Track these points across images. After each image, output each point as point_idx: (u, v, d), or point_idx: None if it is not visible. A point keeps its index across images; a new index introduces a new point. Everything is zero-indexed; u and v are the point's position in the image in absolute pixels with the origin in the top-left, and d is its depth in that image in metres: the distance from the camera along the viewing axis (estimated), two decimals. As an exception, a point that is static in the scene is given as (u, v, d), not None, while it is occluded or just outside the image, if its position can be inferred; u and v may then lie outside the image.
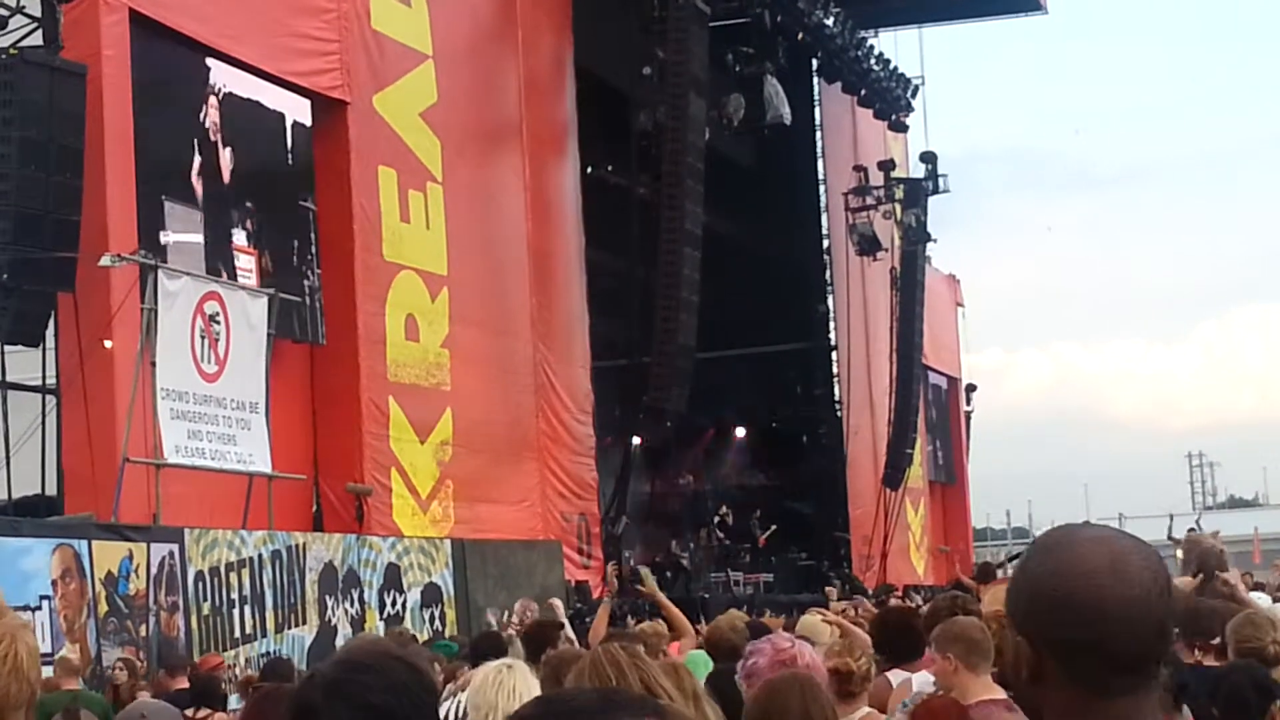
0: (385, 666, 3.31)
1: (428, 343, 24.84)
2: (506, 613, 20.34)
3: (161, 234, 20.04)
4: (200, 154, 21.07)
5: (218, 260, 21.12)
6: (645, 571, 16.28)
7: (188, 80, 20.97)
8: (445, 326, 25.28)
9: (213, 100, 21.20)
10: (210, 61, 21.09)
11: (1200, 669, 8.13)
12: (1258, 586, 15.92)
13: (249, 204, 21.89)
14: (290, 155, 22.77)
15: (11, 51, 17.71)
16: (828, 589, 28.47)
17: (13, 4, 18.43)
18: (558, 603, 17.79)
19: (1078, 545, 2.95)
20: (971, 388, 53.50)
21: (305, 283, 22.68)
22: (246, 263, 21.74)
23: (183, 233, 20.54)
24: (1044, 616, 2.93)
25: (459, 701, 8.71)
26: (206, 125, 21.15)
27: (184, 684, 13.56)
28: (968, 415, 53.27)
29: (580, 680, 5.43)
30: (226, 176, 21.51)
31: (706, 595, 30.92)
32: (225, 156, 21.46)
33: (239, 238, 21.69)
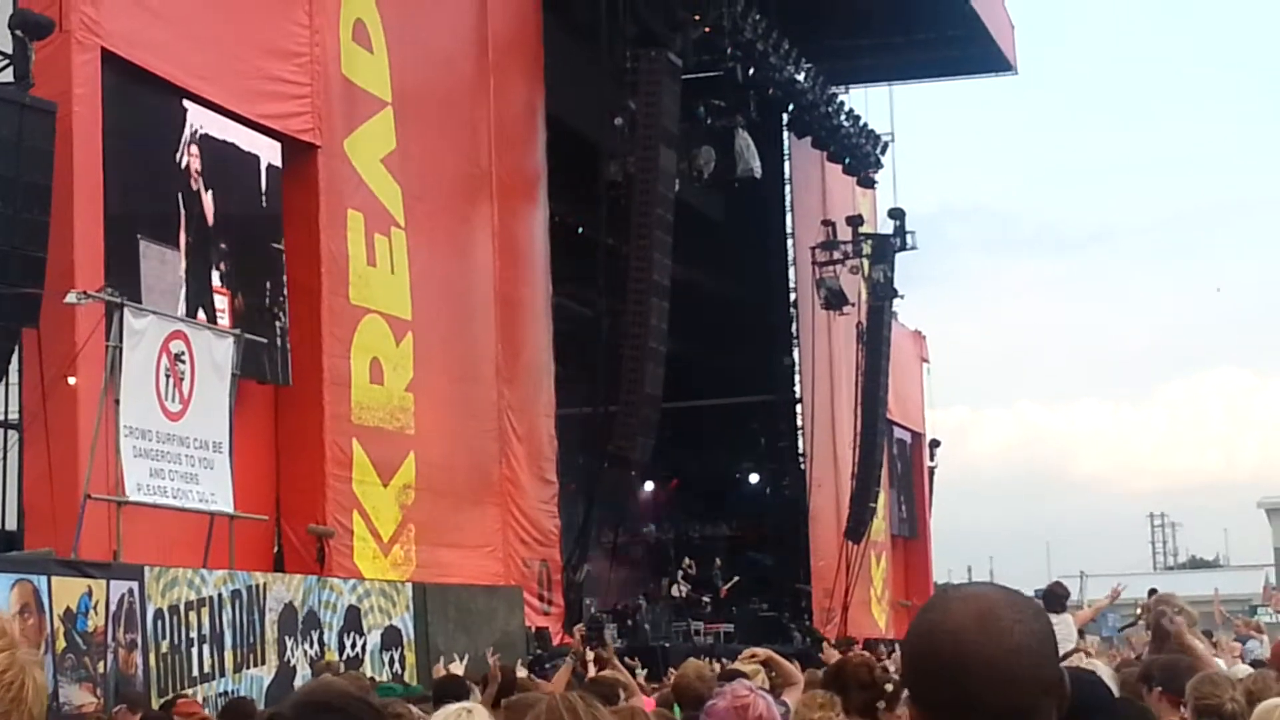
0: (346, 706, 3.36)
1: (392, 386, 24.90)
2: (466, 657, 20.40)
3: (141, 273, 20.09)
4: (182, 195, 21.14)
5: (199, 301, 21.19)
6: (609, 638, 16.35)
7: (165, 120, 21.03)
8: (410, 371, 25.34)
9: (191, 146, 21.27)
10: (186, 103, 21.16)
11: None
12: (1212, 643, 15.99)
13: (223, 245, 21.96)
14: (264, 198, 22.85)
15: (-18, 88, 17.78)
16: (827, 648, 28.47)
17: (-15, 41, 18.51)
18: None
19: (949, 603, 2.95)
20: (935, 443, 53.70)
21: (277, 324, 22.73)
22: (221, 303, 21.81)
23: (160, 273, 20.57)
24: (917, 677, 2.94)
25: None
26: (185, 166, 21.21)
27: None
28: (931, 470, 53.46)
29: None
30: (210, 219, 21.60)
31: (667, 644, 30.95)
32: (207, 200, 21.55)
33: (215, 279, 21.78)
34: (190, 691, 18.01)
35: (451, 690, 11.56)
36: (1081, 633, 19.81)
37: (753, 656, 11.33)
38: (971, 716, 2.88)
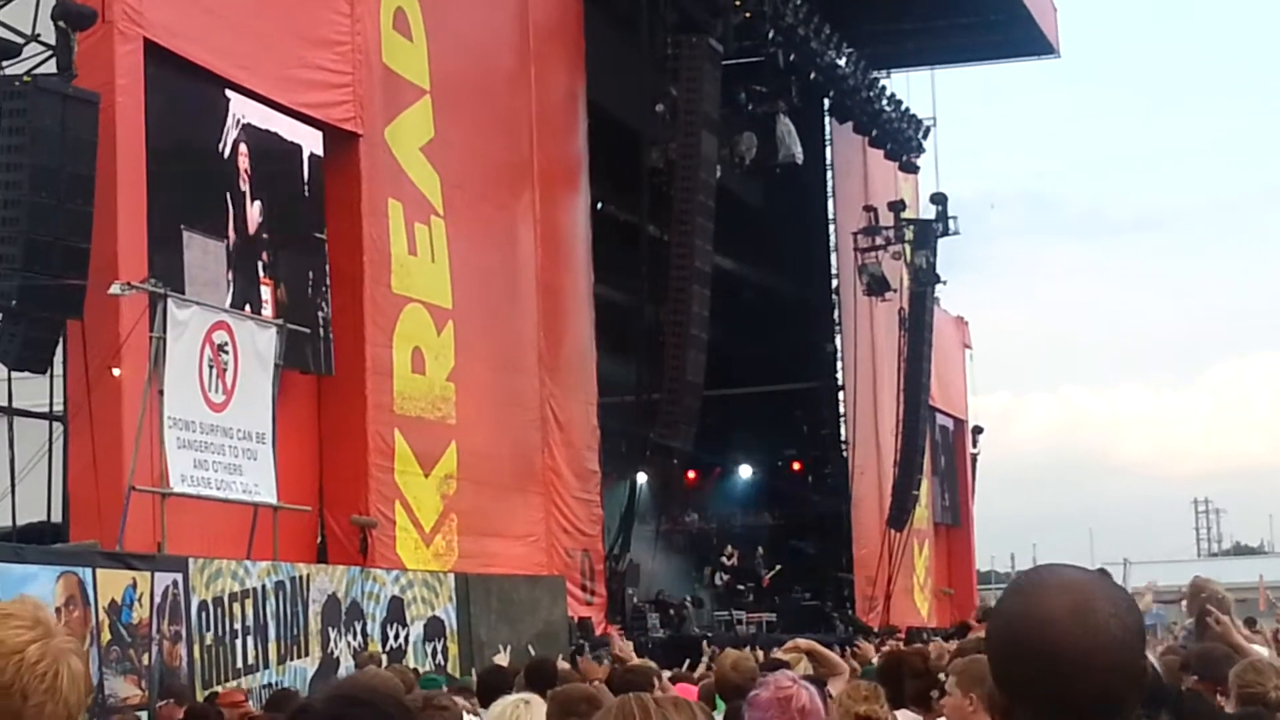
0: (375, 701, 3.33)
1: (433, 376, 24.84)
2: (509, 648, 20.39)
3: (184, 264, 20.07)
4: (225, 186, 21.12)
5: (242, 291, 21.16)
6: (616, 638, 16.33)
7: (208, 111, 20.99)
8: (451, 360, 25.28)
9: (234, 135, 21.23)
10: (228, 93, 21.13)
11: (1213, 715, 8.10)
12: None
13: (266, 235, 21.93)
14: (306, 187, 22.81)
15: (25, 79, 17.72)
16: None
17: (28, 32, 18.47)
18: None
19: (1044, 590, 2.93)
20: (978, 430, 53.50)
21: (320, 314, 22.70)
22: (265, 293, 21.80)
23: (204, 263, 20.55)
24: (1007, 662, 2.92)
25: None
26: (227, 156, 21.18)
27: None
28: (974, 457, 53.26)
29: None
30: (253, 209, 21.56)
31: (710, 634, 30.86)
32: (250, 190, 21.52)
33: (259, 269, 21.76)
34: (234, 683, 18.00)
35: (496, 682, 11.48)
36: None
37: (795, 648, 11.25)
38: (1062, 706, 2.87)
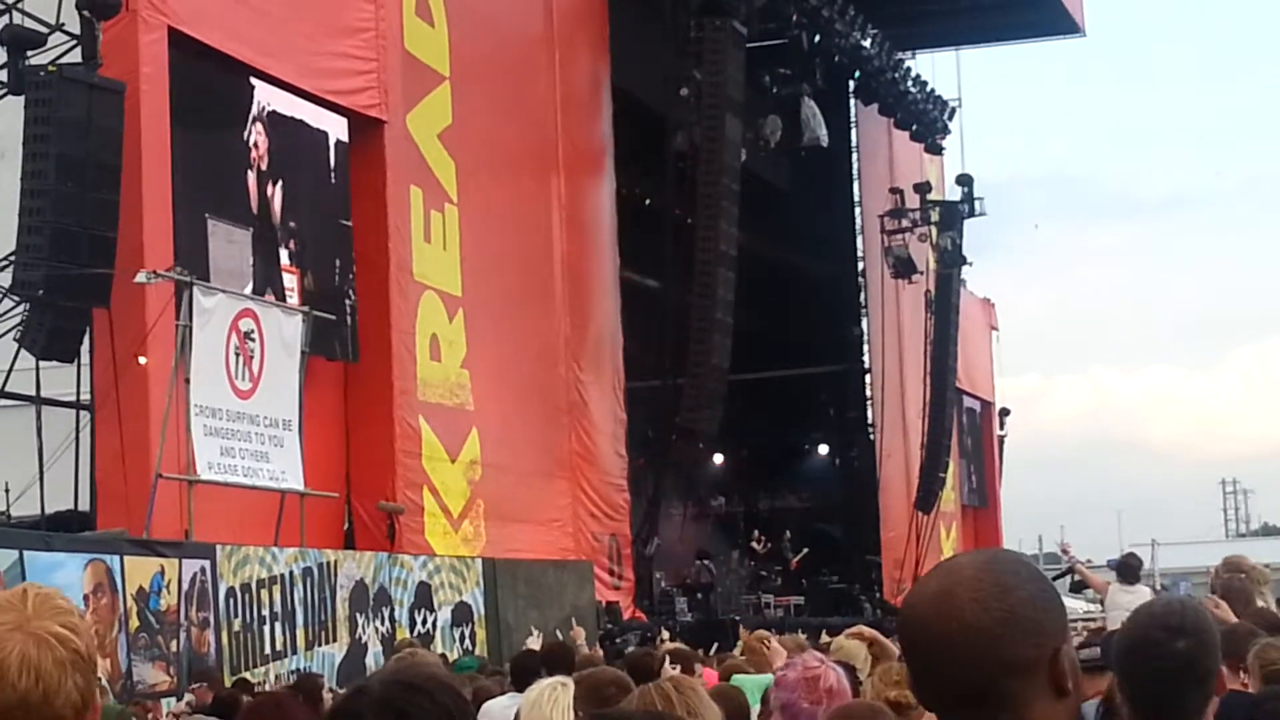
0: (434, 689, 3.35)
1: (449, 363, 24.86)
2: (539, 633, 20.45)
3: (209, 252, 20.13)
4: (251, 174, 21.18)
5: (268, 279, 21.22)
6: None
7: (232, 98, 21.05)
8: (463, 347, 25.27)
9: (259, 124, 21.28)
10: (253, 80, 21.16)
11: (1234, 695, 8.06)
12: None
13: (292, 223, 21.98)
14: (333, 174, 22.85)
15: (50, 68, 17.79)
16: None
17: (52, 22, 18.53)
18: (580, 631, 17.83)
19: (926, 577, 2.92)
20: (1005, 412, 53.37)
21: (346, 301, 22.77)
22: (290, 281, 21.85)
23: (228, 252, 20.61)
24: (899, 643, 2.93)
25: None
26: (253, 144, 21.23)
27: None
28: (1001, 439, 53.14)
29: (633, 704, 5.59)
30: (278, 197, 21.62)
31: (737, 617, 30.86)
32: (276, 177, 21.58)
33: (284, 257, 21.81)
34: (263, 670, 18.07)
35: (531, 665, 11.48)
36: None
37: (859, 634, 11.24)
38: (929, 693, 2.85)
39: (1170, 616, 4.99)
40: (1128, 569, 18.80)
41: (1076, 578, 32.17)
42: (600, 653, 16.06)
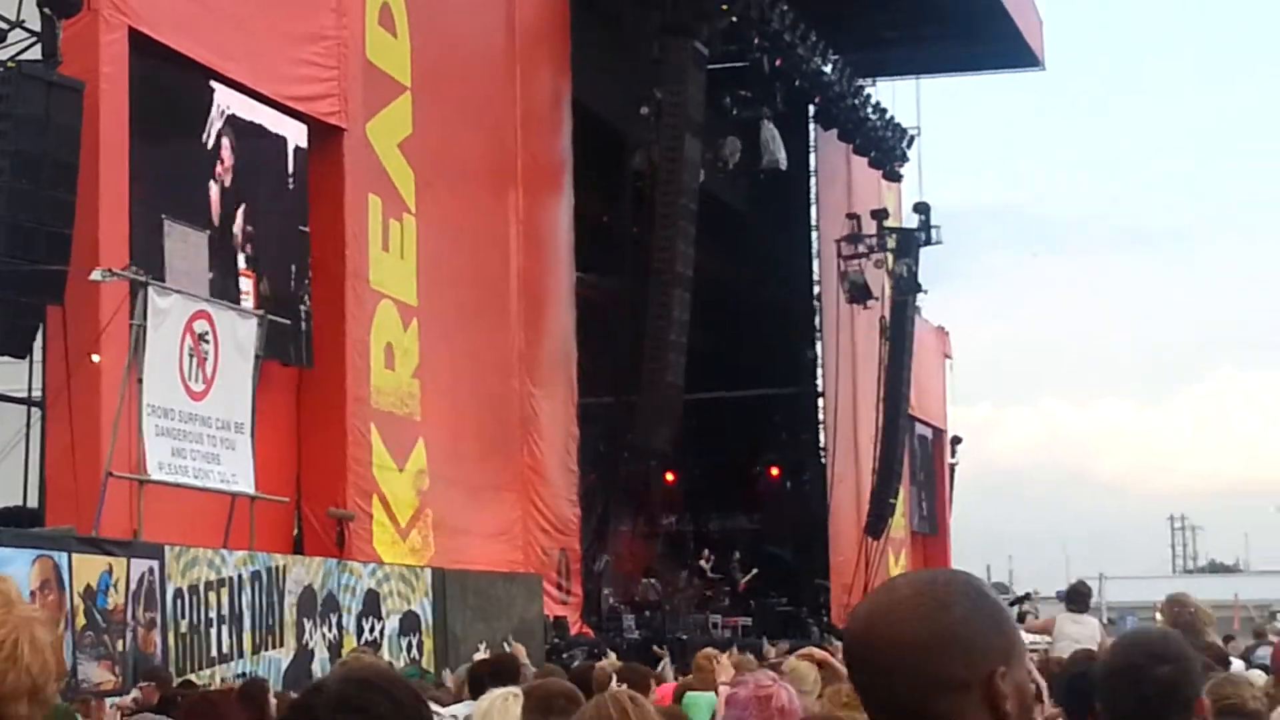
0: (390, 687, 3.38)
1: (401, 372, 24.85)
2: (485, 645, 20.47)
3: (165, 253, 20.11)
4: (208, 176, 21.19)
5: (223, 282, 21.22)
6: None
7: (192, 101, 21.04)
8: (416, 357, 25.26)
9: (219, 126, 21.28)
10: (213, 83, 21.16)
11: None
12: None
13: (249, 227, 21.98)
14: (290, 180, 22.86)
15: (9, 65, 17.76)
16: (770, 644, 28.34)
17: (12, 18, 18.49)
18: (520, 648, 17.81)
19: (873, 592, 2.98)
20: (956, 440, 53.63)
21: (301, 307, 22.77)
22: (245, 285, 21.84)
23: (184, 253, 20.59)
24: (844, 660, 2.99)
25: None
26: (211, 147, 21.23)
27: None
28: (952, 467, 53.40)
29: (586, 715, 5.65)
30: (236, 200, 21.63)
31: (685, 637, 30.87)
32: (233, 181, 21.58)
33: (240, 261, 21.81)
34: (208, 672, 18.03)
35: (483, 676, 11.46)
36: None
37: (809, 656, 11.28)
38: (876, 709, 2.87)
39: (1153, 644, 5.11)
40: (1078, 596, 18.85)
41: (1026, 607, 32.34)
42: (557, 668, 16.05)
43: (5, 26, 18.26)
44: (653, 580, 35.11)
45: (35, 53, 18.05)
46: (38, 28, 18.04)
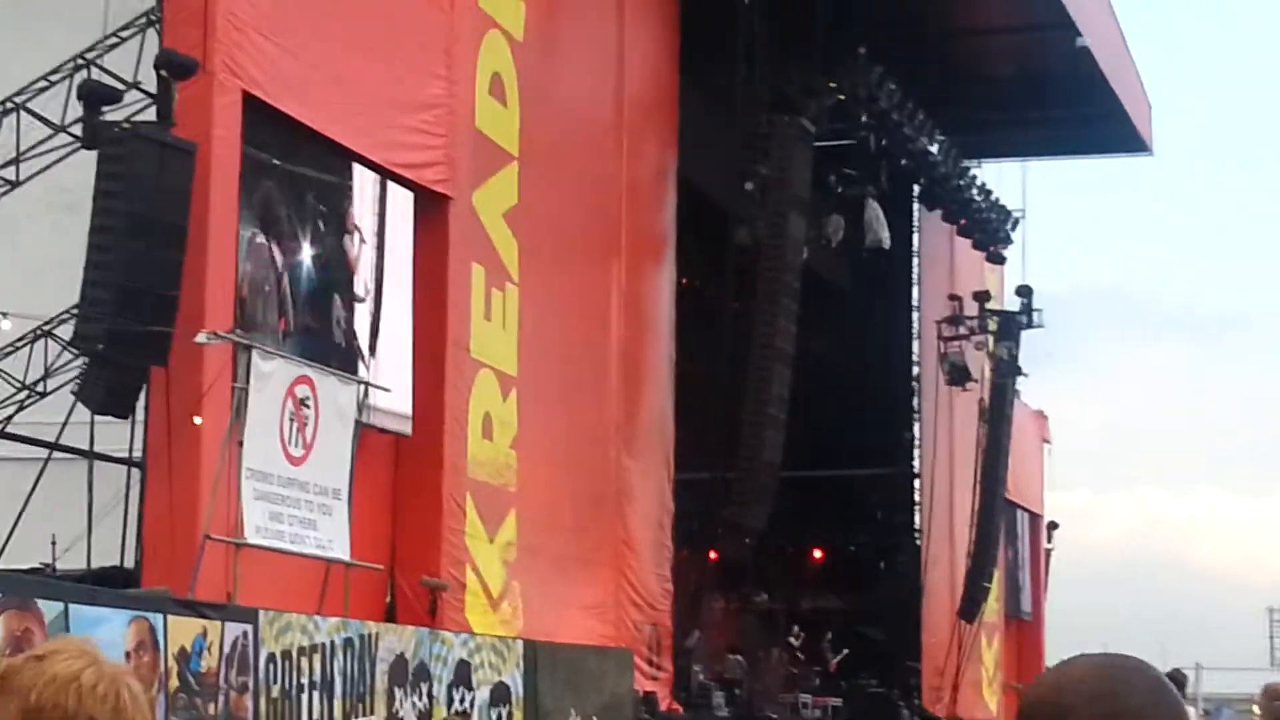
0: None
1: (499, 442, 24.77)
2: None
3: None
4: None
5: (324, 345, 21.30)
6: None
7: (304, 165, 21.10)
8: (515, 428, 25.19)
9: (328, 191, 21.39)
10: (326, 149, 21.19)
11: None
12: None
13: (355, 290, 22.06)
14: (389, 247, 22.89)
15: (124, 125, 17.90)
16: None
17: (129, 79, 18.66)
18: None
19: (1045, 673, 2.88)
20: (1053, 525, 53.06)
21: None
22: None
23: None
24: None
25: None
26: (321, 211, 21.32)
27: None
28: (1048, 552, 52.81)
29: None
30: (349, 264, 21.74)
31: (774, 717, 30.63)
32: (346, 244, 21.71)
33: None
34: (298, 738, 17.95)
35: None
36: None
37: None
38: None
39: None
40: (1175, 685, 18.55)
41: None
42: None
43: (122, 87, 18.43)
44: (738, 657, 34.86)
45: (150, 114, 18.19)
46: (154, 89, 18.18)
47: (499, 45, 24.94)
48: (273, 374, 18.79)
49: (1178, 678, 19.31)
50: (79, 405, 18.21)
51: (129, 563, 18.65)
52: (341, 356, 21.48)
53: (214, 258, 18.60)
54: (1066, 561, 64.78)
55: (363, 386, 20.72)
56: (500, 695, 22.14)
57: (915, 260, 42.29)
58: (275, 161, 20.35)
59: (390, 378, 22.24)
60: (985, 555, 41.84)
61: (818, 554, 42.02)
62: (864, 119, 34.14)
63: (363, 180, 22.04)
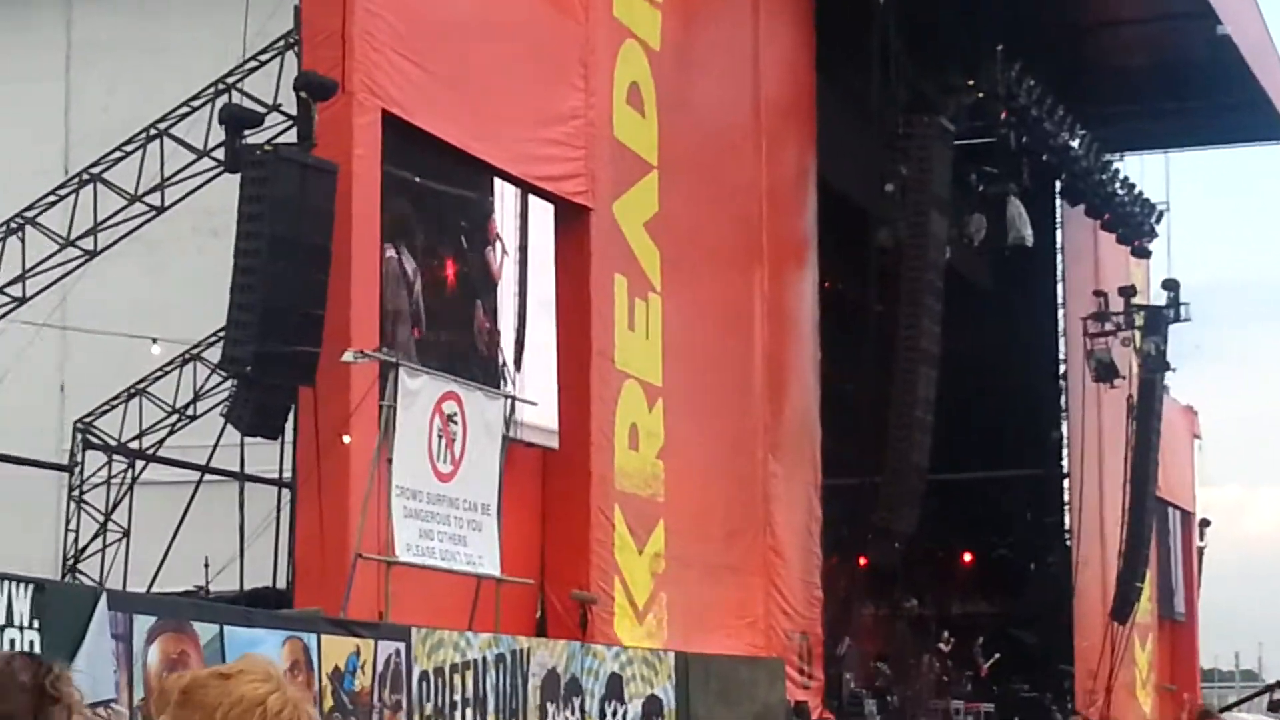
0: None
1: (646, 453, 24.70)
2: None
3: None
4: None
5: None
6: None
7: (443, 181, 21.14)
8: (661, 438, 25.10)
9: (469, 207, 21.43)
10: (465, 164, 21.21)
11: None
12: None
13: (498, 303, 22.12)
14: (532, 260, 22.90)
15: (266, 148, 17.97)
16: None
17: (270, 102, 18.76)
18: None
19: None
20: (1205, 523, 52.23)
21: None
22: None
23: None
24: None
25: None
26: (464, 227, 21.37)
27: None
28: (1200, 551, 52.00)
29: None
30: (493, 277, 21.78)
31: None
32: (489, 258, 21.75)
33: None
34: (453, 756, 17.93)
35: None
36: None
37: None
38: None
39: None
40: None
41: (1277, 696, 31.28)
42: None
43: (262, 110, 18.53)
44: (883, 665, 34.60)
45: (291, 136, 18.27)
46: (294, 111, 18.24)
47: (636, 55, 24.88)
48: (420, 391, 18.78)
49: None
50: (229, 427, 18.33)
51: (281, 583, 18.73)
52: (485, 369, 21.49)
53: (357, 276, 18.64)
54: (1220, 559, 63.87)
55: (509, 401, 20.67)
56: (653, 708, 22.03)
57: (1059, 257, 41.82)
58: (416, 179, 20.39)
59: (536, 391, 22.24)
60: (1137, 555, 41.23)
61: (967, 558, 41.59)
62: (1003, 116, 33.76)
63: (504, 194, 22.04)
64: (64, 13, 24.64)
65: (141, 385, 20.10)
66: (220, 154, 18.49)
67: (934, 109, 31.41)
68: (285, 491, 18.81)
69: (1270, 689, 33.21)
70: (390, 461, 18.17)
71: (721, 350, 27.19)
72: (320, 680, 16.35)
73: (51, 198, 19.95)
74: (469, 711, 18.53)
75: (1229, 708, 40.63)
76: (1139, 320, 41.03)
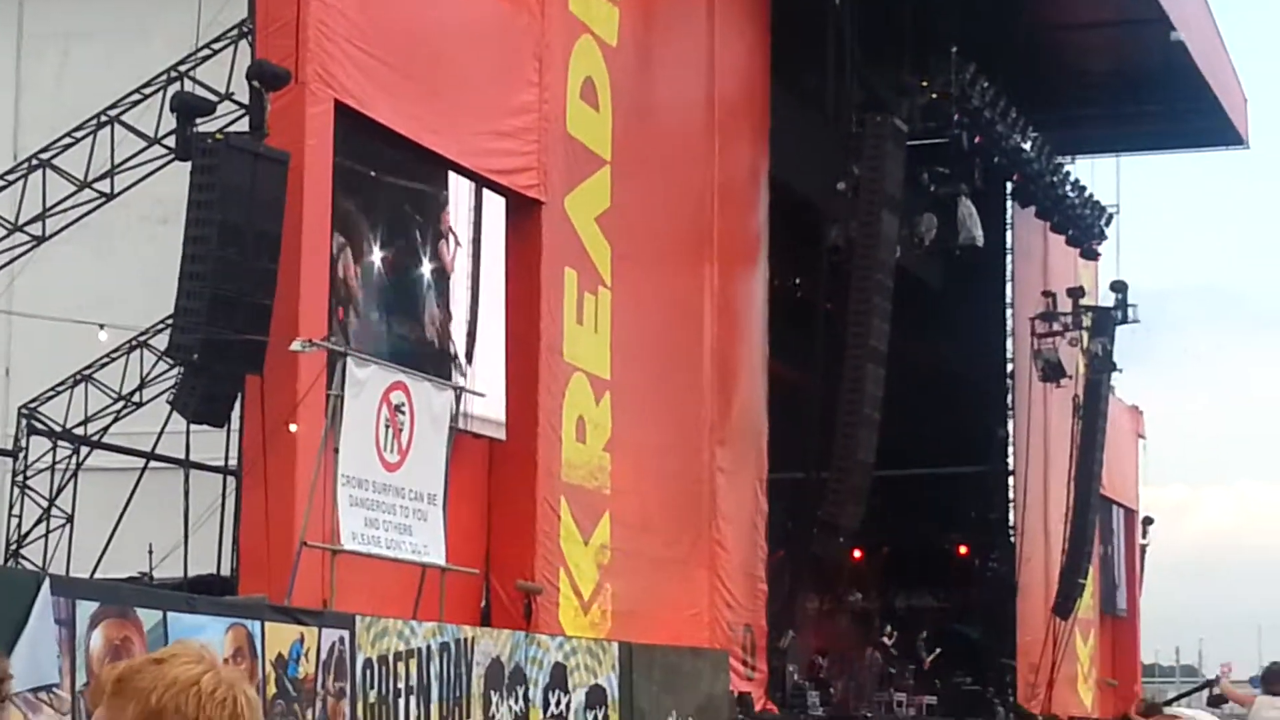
0: None
1: (593, 445, 24.84)
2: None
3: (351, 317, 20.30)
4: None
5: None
6: None
7: (394, 172, 21.21)
8: (608, 430, 25.25)
9: (420, 200, 21.50)
10: (417, 156, 21.30)
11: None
12: None
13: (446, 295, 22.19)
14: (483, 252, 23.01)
15: (217, 136, 18.03)
16: None
17: (222, 91, 18.80)
18: None
19: None
20: (1148, 521, 52.70)
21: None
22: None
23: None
24: None
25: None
26: (414, 219, 21.44)
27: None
28: (1143, 548, 52.45)
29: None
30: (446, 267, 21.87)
31: (869, 715, 30.59)
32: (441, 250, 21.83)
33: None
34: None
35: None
36: None
37: None
38: None
39: None
40: (1274, 677, 18.34)
41: (1216, 691, 31.62)
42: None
43: (214, 99, 18.57)
44: (825, 658, 34.85)
45: (243, 125, 18.31)
46: (246, 100, 18.30)
47: (591, 50, 24.99)
48: (368, 381, 18.86)
49: (1277, 669, 19.14)
50: (175, 415, 18.36)
51: (226, 570, 18.80)
52: (435, 360, 21.60)
53: (307, 266, 18.73)
54: (1162, 557, 64.37)
55: (458, 392, 20.78)
56: (596, 698, 22.18)
57: (1009, 257, 42.07)
58: (370, 172, 20.48)
59: (486, 383, 22.36)
60: (1080, 552, 41.58)
61: (912, 553, 41.83)
62: (956, 117, 34.00)
63: (459, 187, 22.14)
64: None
65: (88, 371, 20.09)
66: (171, 142, 18.52)
67: (888, 109, 31.61)
68: (231, 479, 18.87)
69: (1210, 684, 33.54)
70: (337, 451, 18.25)
71: (670, 345, 27.33)
72: (264, 667, 16.44)
73: (0, 183, 19.94)
74: (413, 700, 18.64)
75: (1169, 702, 40.97)
76: (1086, 321, 41.35)
